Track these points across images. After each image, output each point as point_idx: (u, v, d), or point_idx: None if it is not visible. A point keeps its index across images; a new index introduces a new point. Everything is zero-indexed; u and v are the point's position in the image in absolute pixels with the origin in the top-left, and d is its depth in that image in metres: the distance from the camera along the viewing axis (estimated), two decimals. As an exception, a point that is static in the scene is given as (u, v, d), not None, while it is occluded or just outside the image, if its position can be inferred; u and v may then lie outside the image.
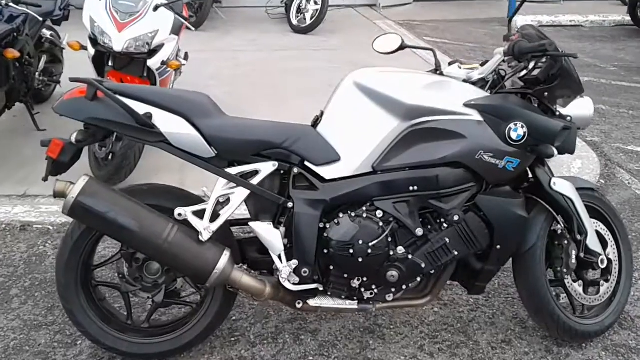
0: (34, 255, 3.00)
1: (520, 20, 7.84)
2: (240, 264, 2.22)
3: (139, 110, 1.99)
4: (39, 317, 2.52)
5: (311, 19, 8.04)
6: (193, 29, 4.28)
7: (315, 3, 8.00)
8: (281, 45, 7.56)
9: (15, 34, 3.85)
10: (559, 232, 2.33)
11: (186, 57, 4.75)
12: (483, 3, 10.73)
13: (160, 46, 3.61)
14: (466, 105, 2.12)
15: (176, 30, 4.04)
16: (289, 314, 2.55)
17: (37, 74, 4.28)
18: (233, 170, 2.07)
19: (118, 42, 3.43)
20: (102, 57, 3.60)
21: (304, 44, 7.64)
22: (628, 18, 8.94)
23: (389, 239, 2.10)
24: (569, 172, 3.93)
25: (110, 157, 3.44)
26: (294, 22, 8.18)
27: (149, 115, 1.99)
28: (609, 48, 8.00)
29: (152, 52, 3.57)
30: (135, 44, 3.48)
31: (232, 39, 7.72)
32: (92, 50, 3.57)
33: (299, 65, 6.62)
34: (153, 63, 3.56)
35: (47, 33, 4.55)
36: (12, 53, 3.67)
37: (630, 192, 3.83)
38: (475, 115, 2.12)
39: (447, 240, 2.13)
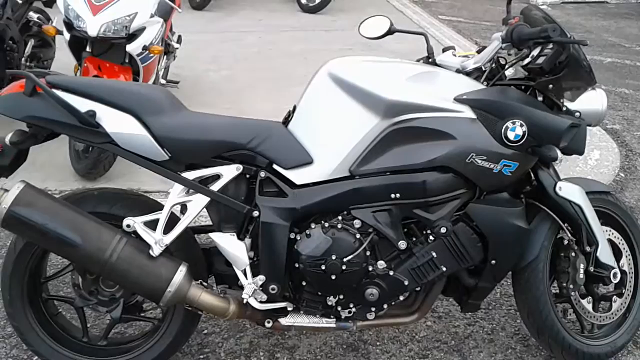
0: None
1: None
2: (206, 278, 1.99)
3: (82, 107, 1.75)
4: (-4, 329, 2.33)
5: (321, -4, 7.74)
6: (180, 10, 4.01)
7: (325, -21, 7.68)
8: (289, 25, 7.27)
9: (-9, 19, 3.63)
10: (566, 242, 2.05)
11: (179, 41, 4.52)
12: (503, -21, 10.27)
13: (141, 30, 3.35)
14: (457, 100, 1.85)
15: (164, 13, 3.80)
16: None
17: (22, 59, 4.07)
18: (190, 175, 1.83)
19: (92, 26, 3.19)
20: (81, 42, 3.37)
21: (312, 24, 7.34)
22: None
23: (368, 253, 1.86)
24: (586, 164, 3.62)
25: (90, 149, 3.23)
26: (303, 0, 7.87)
27: (91, 114, 1.75)
28: (634, 26, 7.55)
29: (132, 37, 3.32)
30: (112, 28, 3.23)
31: (237, 19, 7.44)
32: (67, 35, 3.33)
33: (307, 47, 6.33)
34: (133, 48, 3.30)
35: (34, 16, 4.33)
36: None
37: (652, 188, 3.51)
38: (467, 112, 1.84)
39: (434, 254, 1.87)
